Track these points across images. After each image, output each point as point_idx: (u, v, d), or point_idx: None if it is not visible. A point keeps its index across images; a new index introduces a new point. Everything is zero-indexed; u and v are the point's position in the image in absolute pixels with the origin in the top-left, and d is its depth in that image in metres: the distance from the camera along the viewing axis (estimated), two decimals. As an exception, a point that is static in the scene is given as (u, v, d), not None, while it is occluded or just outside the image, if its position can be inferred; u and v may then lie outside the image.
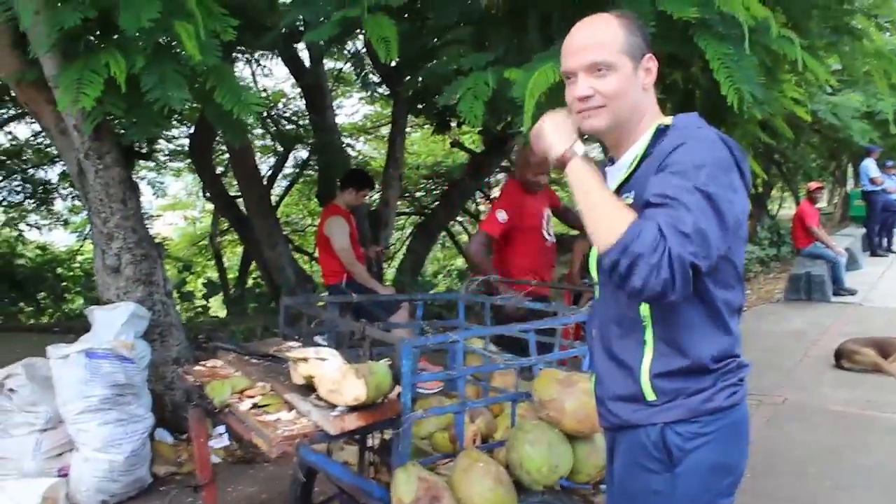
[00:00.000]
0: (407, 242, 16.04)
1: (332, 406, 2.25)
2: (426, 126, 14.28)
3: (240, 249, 16.19)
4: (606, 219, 1.60)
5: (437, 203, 14.43)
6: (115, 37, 3.91)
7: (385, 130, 15.62)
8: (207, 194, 13.93)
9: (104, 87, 3.66)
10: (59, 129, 4.43)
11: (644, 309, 1.73)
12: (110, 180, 4.36)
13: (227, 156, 11.66)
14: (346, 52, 10.41)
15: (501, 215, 4.35)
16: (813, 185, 10.88)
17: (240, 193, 9.06)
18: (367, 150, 16.46)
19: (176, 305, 5.07)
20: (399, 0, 3.69)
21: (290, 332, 3.11)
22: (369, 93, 9.54)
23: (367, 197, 5.97)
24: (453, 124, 9.27)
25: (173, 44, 3.83)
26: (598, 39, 1.75)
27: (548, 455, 2.49)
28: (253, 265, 12.93)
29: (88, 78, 3.68)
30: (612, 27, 1.76)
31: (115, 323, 4.27)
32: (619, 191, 1.79)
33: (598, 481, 2.72)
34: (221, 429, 4.81)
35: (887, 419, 5.12)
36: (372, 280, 5.61)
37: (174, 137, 12.14)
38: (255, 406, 2.40)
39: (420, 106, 9.24)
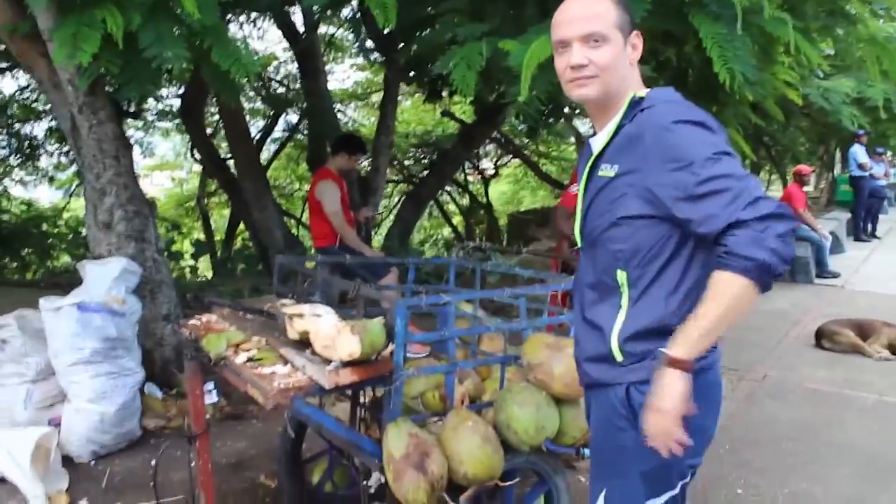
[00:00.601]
0: (394, 210, 16.10)
1: (327, 361, 2.31)
2: (417, 94, 14.28)
3: (227, 211, 16.19)
4: (732, 304, 1.65)
5: (425, 171, 14.49)
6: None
7: (376, 98, 15.60)
8: (196, 155, 13.92)
9: (101, 43, 3.66)
10: (52, 84, 4.41)
11: (621, 276, 1.82)
12: (104, 136, 4.37)
13: (216, 117, 11.64)
14: (340, 17, 10.40)
15: (574, 188, 4.67)
16: (804, 168, 10.98)
17: (230, 155, 9.06)
18: (358, 117, 16.42)
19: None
20: (397, -34, 3.70)
21: (284, 291, 3.16)
22: (367, 59, 9.43)
23: (358, 162, 5.98)
24: (445, 93, 9.29)
25: (168, 2, 3.83)
26: (594, 11, 1.81)
27: (535, 416, 2.56)
28: (240, 227, 12.96)
29: (85, 33, 3.66)
30: (606, 2, 1.82)
31: (106, 277, 4.29)
32: (598, 160, 1.86)
33: (582, 444, 2.80)
34: (210, 385, 4.86)
35: (863, 399, 5.25)
36: (362, 244, 5.65)
37: (163, 97, 12.07)
38: (250, 360, 2.45)
39: (412, 74, 9.25)
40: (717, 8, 3.54)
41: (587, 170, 1.91)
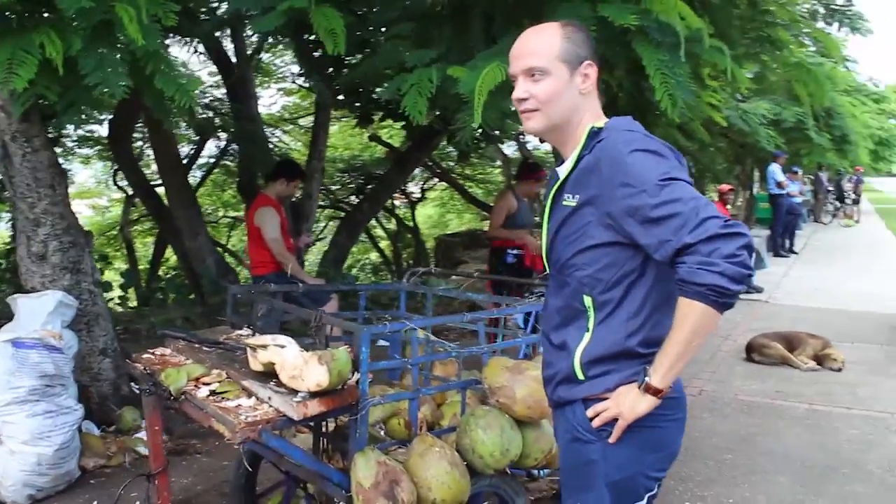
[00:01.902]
0: (321, 235, 15.93)
1: (294, 392, 2.28)
2: (343, 119, 14.25)
3: (149, 240, 15.76)
4: (694, 330, 1.71)
5: (354, 196, 14.47)
6: (47, 15, 3.80)
7: (303, 122, 15.55)
8: (118, 183, 13.54)
9: (37, 68, 3.55)
10: (-18, 111, 4.23)
11: (588, 300, 1.87)
12: (38, 164, 4.20)
13: (139, 143, 11.35)
14: (268, 43, 10.34)
15: None
16: (724, 187, 11.40)
17: (158, 181, 8.87)
18: (286, 142, 16.27)
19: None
20: (347, -8, 3.72)
21: (240, 321, 3.10)
22: (310, 85, 9.24)
23: (297, 188, 5.92)
24: (377, 118, 9.32)
25: (110, 27, 3.73)
26: (534, 47, 1.88)
27: (500, 440, 2.58)
28: (166, 255, 12.62)
29: (20, 58, 3.53)
30: (551, 36, 1.89)
31: (41, 312, 4.13)
32: (561, 189, 1.92)
33: (542, 465, 2.83)
34: (151, 420, 4.73)
35: (795, 408, 5.45)
36: (302, 272, 5.59)
37: (84, 122, 11.67)
38: (212, 393, 2.40)
39: (341, 98, 9.24)
40: (659, 36, 3.66)
41: (550, 198, 1.96)
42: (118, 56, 3.65)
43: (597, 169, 1.80)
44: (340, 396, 2.32)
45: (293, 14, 3.81)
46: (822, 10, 7.25)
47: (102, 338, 4.72)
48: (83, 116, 3.92)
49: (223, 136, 11.63)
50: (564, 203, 1.89)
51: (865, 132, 19.76)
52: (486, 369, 2.76)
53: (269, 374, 2.42)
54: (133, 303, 10.01)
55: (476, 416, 2.64)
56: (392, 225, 18.16)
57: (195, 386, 2.45)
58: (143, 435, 4.57)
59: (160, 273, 10.81)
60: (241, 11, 4.56)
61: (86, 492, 3.98)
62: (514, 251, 5.74)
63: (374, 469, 2.34)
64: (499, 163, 17.86)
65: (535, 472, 2.97)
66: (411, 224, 17.64)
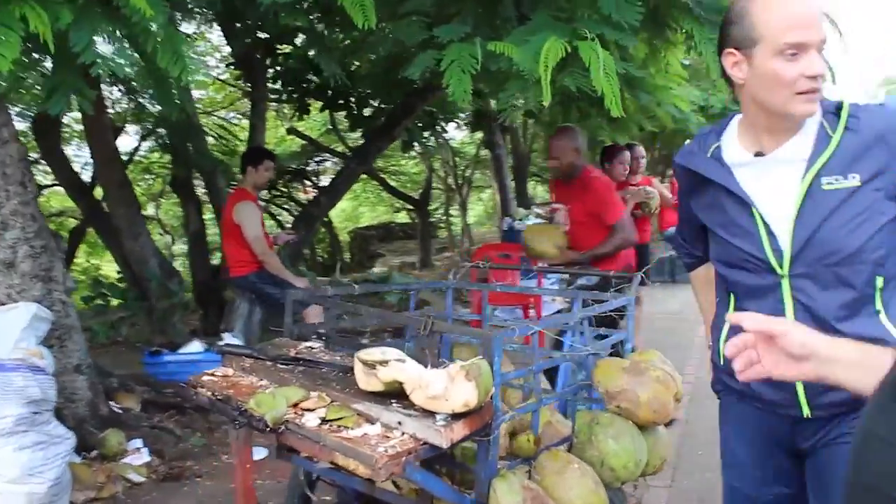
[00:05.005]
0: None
1: (429, 414, 1.95)
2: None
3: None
4: None
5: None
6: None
7: (217, 115, 14.92)
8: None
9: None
10: (-62, 97, 3.62)
11: (879, 281, 1.72)
12: (7, 158, 3.62)
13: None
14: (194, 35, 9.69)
15: None
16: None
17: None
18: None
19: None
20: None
21: (306, 331, 2.71)
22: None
23: (269, 170, 5.38)
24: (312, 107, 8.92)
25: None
26: (817, 11, 1.65)
27: (633, 449, 2.33)
28: (79, 257, 11.71)
29: (2, 34, 3.03)
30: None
31: (13, 327, 3.57)
32: (820, 175, 1.68)
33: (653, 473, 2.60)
34: (138, 442, 4.24)
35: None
36: (286, 271, 5.16)
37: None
38: (323, 421, 2.02)
39: (277, 88, 8.78)
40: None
41: (806, 185, 1.70)
42: (115, 31, 3.17)
43: (881, 142, 1.64)
44: (480, 416, 2.00)
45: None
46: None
47: (76, 353, 4.19)
48: (75, 99, 3.37)
49: (130, 129, 10.83)
50: (834, 187, 1.67)
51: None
52: (597, 371, 2.49)
53: (387, 395, 2.07)
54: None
55: (602, 424, 2.37)
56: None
57: (296, 413, 2.07)
58: (130, 460, 4.11)
59: (99, 278, 9.94)
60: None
61: (81, 531, 3.50)
62: None
63: (521, 495, 2.04)
64: (412, 153, 17.53)
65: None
66: (325, 217, 17.19)
